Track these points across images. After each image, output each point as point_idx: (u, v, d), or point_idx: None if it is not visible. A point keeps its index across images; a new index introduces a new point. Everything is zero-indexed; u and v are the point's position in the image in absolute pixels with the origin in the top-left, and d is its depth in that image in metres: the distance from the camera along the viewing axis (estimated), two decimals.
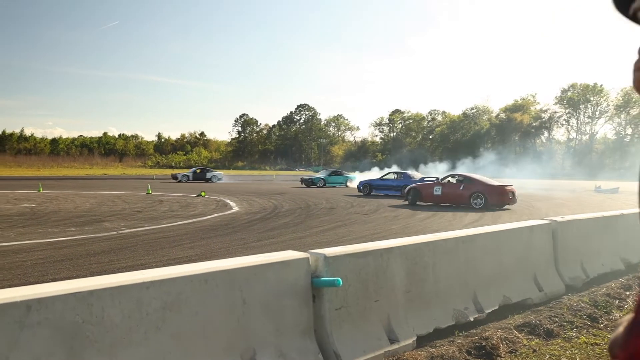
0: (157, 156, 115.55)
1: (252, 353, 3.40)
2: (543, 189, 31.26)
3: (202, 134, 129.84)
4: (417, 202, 19.94)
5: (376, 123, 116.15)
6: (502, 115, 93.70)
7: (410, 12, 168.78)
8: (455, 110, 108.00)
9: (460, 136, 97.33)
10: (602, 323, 5.06)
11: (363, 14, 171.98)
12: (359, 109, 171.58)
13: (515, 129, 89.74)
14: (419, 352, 4.16)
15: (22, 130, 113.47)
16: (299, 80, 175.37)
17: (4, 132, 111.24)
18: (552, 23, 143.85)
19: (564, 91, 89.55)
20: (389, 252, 4.44)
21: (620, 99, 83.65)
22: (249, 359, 3.39)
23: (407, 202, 20.18)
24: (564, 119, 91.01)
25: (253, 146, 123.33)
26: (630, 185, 37.25)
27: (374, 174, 39.57)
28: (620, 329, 0.73)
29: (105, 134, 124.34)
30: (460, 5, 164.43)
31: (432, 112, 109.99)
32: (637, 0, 0.75)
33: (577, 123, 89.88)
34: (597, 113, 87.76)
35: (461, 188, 18.78)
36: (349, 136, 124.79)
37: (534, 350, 4.32)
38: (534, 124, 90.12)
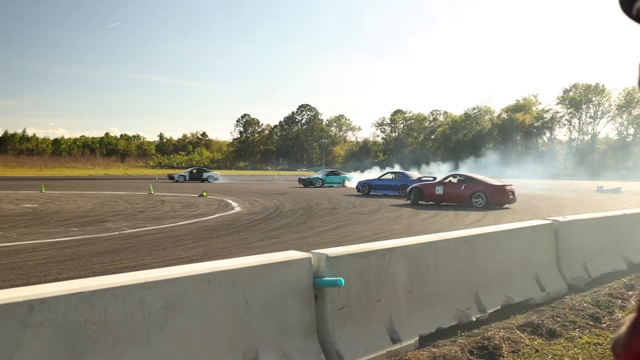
0: (159, 156, 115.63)
1: (255, 353, 3.40)
2: (545, 189, 31.22)
3: (203, 134, 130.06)
4: (419, 202, 20.30)
5: (378, 123, 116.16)
6: (504, 115, 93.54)
7: (412, 12, 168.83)
8: (457, 111, 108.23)
9: (462, 136, 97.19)
10: (604, 323, 5.05)
11: (364, 13, 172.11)
12: (361, 109, 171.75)
13: (517, 129, 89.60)
14: (422, 352, 4.16)
15: (24, 131, 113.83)
16: (301, 80, 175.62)
17: (6, 133, 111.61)
18: (553, 23, 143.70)
19: (566, 91, 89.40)
20: (391, 252, 4.44)
21: (622, 98, 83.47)
22: (252, 359, 3.39)
23: (409, 202, 20.58)
24: (566, 119, 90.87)
25: (255, 146, 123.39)
26: (632, 185, 37.20)
27: (374, 173, 39.58)
28: (623, 328, 0.73)
29: (107, 134, 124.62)
30: (461, 5, 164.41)
31: (434, 112, 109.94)
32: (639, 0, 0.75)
33: (579, 123, 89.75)
34: (599, 113, 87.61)
35: (462, 188, 19.14)
36: (350, 136, 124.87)
37: (537, 350, 4.31)
38: (535, 124, 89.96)
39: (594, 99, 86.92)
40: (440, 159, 69.60)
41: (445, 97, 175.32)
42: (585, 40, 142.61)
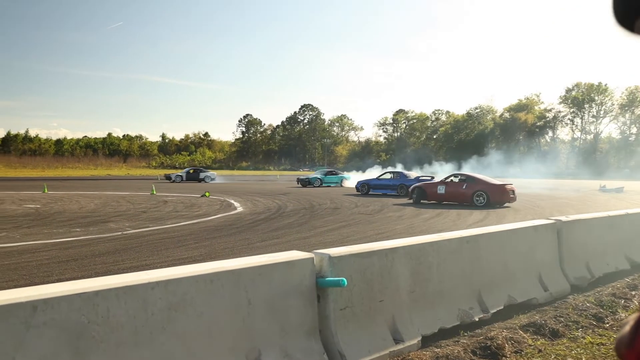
0: (162, 157, 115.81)
1: (257, 353, 3.40)
2: (547, 189, 31.16)
3: (206, 134, 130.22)
4: (421, 201, 20.71)
5: (380, 123, 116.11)
6: (507, 114, 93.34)
7: (414, 12, 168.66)
8: (459, 110, 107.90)
9: (465, 136, 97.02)
10: (607, 323, 5.04)
11: (367, 13, 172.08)
12: (363, 109, 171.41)
13: (519, 129, 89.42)
14: (424, 352, 4.16)
15: (26, 131, 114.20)
16: (303, 80, 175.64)
17: (8, 133, 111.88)
18: (553, 23, 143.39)
19: (568, 90, 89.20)
20: (393, 252, 4.44)
21: (625, 98, 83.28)
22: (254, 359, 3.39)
23: (411, 201, 21.04)
24: (569, 119, 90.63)
25: (257, 146, 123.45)
26: (635, 184, 37.12)
27: (376, 173, 39.66)
28: (627, 328, 0.73)
29: (109, 134, 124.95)
30: (463, 5, 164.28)
31: (436, 112, 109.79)
32: None
33: (582, 122, 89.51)
34: (602, 112, 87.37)
35: (464, 187, 19.62)
36: (352, 136, 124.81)
37: (540, 350, 4.31)
38: (538, 124, 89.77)
39: (596, 98, 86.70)
40: (443, 159, 69.49)
41: (448, 97, 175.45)
42: (588, 39, 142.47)
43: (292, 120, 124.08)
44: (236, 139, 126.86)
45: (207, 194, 25.35)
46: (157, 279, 3.02)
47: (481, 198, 18.82)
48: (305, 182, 36.05)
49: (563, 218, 6.83)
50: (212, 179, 45.63)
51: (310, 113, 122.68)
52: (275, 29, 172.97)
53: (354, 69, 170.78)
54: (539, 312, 5.39)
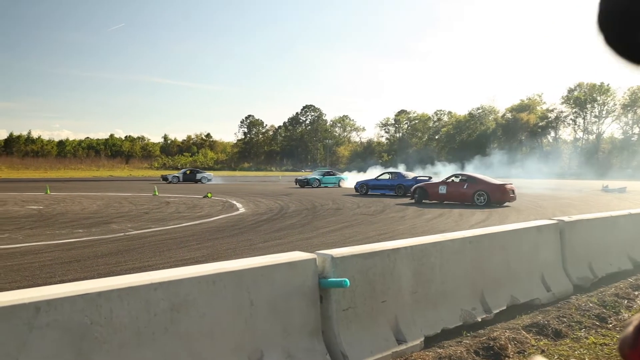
0: (164, 158, 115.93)
1: (260, 354, 3.40)
2: (550, 189, 31.12)
3: (208, 135, 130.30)
4: (423, 200, 21.09)
5: (382, 124, 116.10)
6: (509, 115, 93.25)
7: (415, 12, 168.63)
8: (461, 111, 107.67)
9: (467, 136, 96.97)
10: (610, 323, 5.03)
11: (368, 14, 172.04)
12: (365, 110, 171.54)
13: (521, 129, 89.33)
14: (427, 353, 4.16)
15: (29, 133, 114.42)
16: (304, 80, 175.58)
17: (11, 135, 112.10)
18: (554, 23, 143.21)
19: (570, 90, 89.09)
20: (395, 252, 4.44)
21: (627, 98, 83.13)
22: None
23: (413, 200, 21.42)
24: (571, 119, 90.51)
25: (259, 147, 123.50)
26: (637, 184, 37.04)
27: (376, 173, 39.75)
28: (630, 328, 0.73)
29: (111, 135, 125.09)
30: (465, 5, 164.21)
31: (438, 113, 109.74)
32: None
33: (584, 122, 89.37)
34: (604, 112, 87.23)
35: (465, 187, 20.03)
36: (354, 137, 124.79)
37: (543, 351, 4.30)
38: (540, 124, 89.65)
39: (598, 98, 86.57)
40: (445, 159, 69.48)
41: (449, 97, 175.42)
42: (590, 39, 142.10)
43: (294, 120, 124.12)
44: (238, 140, 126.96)
45: (209, 195, 25.37)
46: (159, 280, 3.02)
47: (482, 198, 19.25)
48: (304, 183, 36.24)
49: (566, 218, 6.82)
50: (209, 180, 45.81)
51: (312, 114, 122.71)
52: (275, 29, 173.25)
53: (354, 69, 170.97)
54: (541, 312, 5.38)
